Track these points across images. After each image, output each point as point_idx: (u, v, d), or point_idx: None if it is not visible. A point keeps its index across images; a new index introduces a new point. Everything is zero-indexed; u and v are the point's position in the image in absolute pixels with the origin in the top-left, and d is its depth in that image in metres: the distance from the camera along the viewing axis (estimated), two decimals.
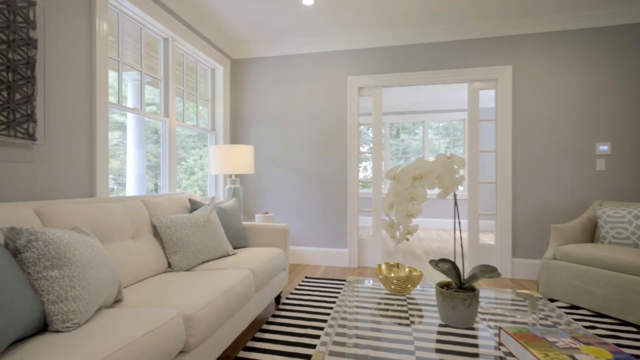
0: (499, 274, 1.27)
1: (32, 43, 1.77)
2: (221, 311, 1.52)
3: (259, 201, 4.00)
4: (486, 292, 1.76)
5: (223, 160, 2.90)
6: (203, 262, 2.07)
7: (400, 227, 1.27)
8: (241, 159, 2.98)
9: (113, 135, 4.02)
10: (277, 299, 2.62)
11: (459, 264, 3.81)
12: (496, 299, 1.66)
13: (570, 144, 3.27)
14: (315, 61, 3.87)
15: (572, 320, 1.34)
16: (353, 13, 3.23)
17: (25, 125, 1.73)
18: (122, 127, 3.97)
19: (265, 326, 2.18)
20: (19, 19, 1.72)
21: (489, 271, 1.27)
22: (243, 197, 3.96)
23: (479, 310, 1.47)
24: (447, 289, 1.34)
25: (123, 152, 3.93)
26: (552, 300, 2.70)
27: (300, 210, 3.89)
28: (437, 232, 6.31)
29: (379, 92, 3.77)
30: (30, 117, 1.75)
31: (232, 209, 2.51)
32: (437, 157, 1.29)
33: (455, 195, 1.29)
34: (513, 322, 1.33)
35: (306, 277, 3.30)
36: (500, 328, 1.17)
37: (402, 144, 8.27)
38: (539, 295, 1.69)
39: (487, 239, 5.70)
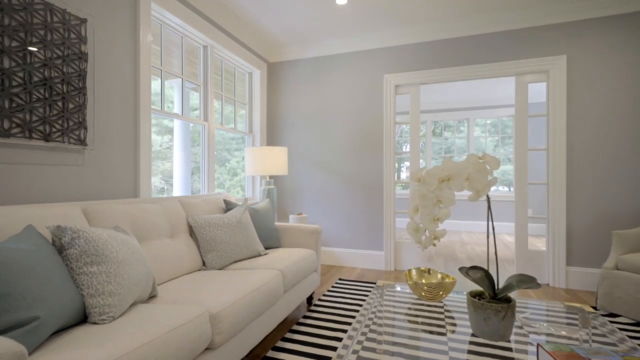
0: (538, 285, 1.15)
1: (83, 57, 1.94)
2: (247, 311, 1.55)
3: (294, 202, 4.05)
4: (531, 303, 1.61)
5: (257, 162, 2.96)
6: (235, 262, 2.13)
7: (427, 231, 1.20)
8: (275, 160, 3.03)
9: (164, 139, 4.30)
10: (309, 300, 2.62)
11: (495, 271, 3.55)
12: (543, 311, 1.52)
13: (635, 141, 2.91)
14: (350, 61, 3.82)
15: (627, 338, 1.18)
16: (386, 9, 3.14)
17: (77, 132, 1.90)
18: (171, 131, 4.23)
19: (295, 327, 2.19)
20: (72, 36, 1.89)
21: (526, 281, 1.16)
22: (277, 197, 4.03)
23: (521, 323, 1.35)
24: (479, 299, 1.24)
25: (173, 155, 4.17)
26: (613, 316, 2.41)
27: (335, 211, 3.87)
28: (483, 236, 5.95)
29: (416, 90, 3.63)
30: (82, 124, 1.92)
31: (265, 210, 2.56)
32: (467, 157, 1.20)
33: (488, 198, 1.20)
34: (558, 338, 1.20)
35: (340, 279, 3.27)
36: (538, 345, 1.05)
37: (445, 143, 7.92)
38: (591, 310, 1.51)
39: (540, 244, 5.26)
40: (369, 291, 2.93)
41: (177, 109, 3.24)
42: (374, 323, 1.35)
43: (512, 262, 4.00)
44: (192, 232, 2.13)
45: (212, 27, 3.11)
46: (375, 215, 3.71)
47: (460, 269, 1.25)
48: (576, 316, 1.47)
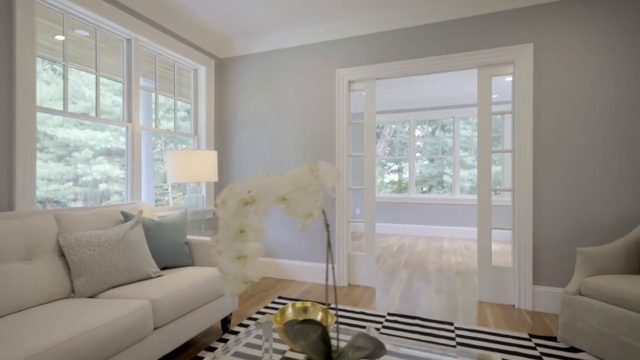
0: (383, 353, 0.80)
1: None
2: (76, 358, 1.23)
3: None
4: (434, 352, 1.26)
5: (182, 168, 2.65)
6: (114, 287, 1.81)
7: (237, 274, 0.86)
8: (202, 166, 2.71)
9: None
10: (227, 323, 2.29)
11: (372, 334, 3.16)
12: None
13: (613, 141, 2.51)
14: (301, 55, 3.49)
15: None
16: None
17: None
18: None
19: (202, 353, 1.86)
20: None
21: (366, 348, 0.81)
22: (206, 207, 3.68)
23: None
24: None
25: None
26: (574, 350, 2.02)
27: (287, 219, 3.53)
28: (465, 243, 5.55)
29: (371, 86, 3.28)
30: None
31: (172, 223, 2.24)
32: (295, 169, 0.86)
33: (327, 226, 0.85)
34: None
35: (280, 297, 2.93)
36: None
37: (439, 143, 7.52)
38: None
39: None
40: None
41: (92, 108, 2.94)
42: None
43: (475, 274, 3.60)
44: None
45: (136, 20, 2.81)
46: (329, 224, 3.36)
47: (287, 325, 0.90)
48: None
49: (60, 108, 2.39)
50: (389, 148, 7.95)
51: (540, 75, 2.69)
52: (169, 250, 2.15)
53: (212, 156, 2.79)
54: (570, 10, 2.61)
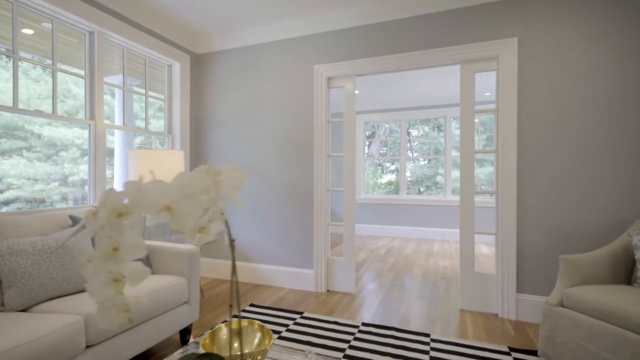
0: None
1: None
2: None
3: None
4: None
5: (143, 169, 2.49)
6: (50, 299, 1.65)
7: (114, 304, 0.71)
8: (167, 166, 2.55)
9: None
10: (187, 334, 2.14)
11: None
12: None
13: (602, 142, 2.36)
14: (279, 50, 3.33)
15: None
16: None
17: None
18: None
19: None
20: None
21: None
22: None
23: None
24: None
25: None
26: None
27: (265, 223, 3.38)
28: (455, 246, 5.39)
29: (351, 83, 3.12)
30: None
31: None
32: (192, 172, 0.71)
33: (232, 243, 0.70)
34: None
35: (251, 305, 2.78)
36: None
37: (434, 143, 7.38)
38: None
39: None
40: (279, 324, 2.44)
41: (45, 105, 2.79)
42: None
43: (457, 280, 3.45)
44: None
45: (99, 12, 2.65)
46: (307, 228, 3.21)
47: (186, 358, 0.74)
48: None
49: (39, 108, 2.23)
50: (385, 148, 7.80)
51: (525, 71, 2.54)
52: None
53: (178, 156, 2.64)
54: (556, 0, 2.46)
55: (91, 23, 2.61)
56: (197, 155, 3.70)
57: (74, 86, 3.06)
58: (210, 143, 3.63)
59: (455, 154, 6.30)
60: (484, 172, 6.88)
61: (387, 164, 8.37)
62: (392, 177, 8.29)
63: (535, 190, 2.51)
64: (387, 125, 7.66)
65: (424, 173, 7.80)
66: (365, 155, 6.94)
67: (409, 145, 7.73)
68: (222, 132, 3.58)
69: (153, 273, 2.16)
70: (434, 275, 3.71)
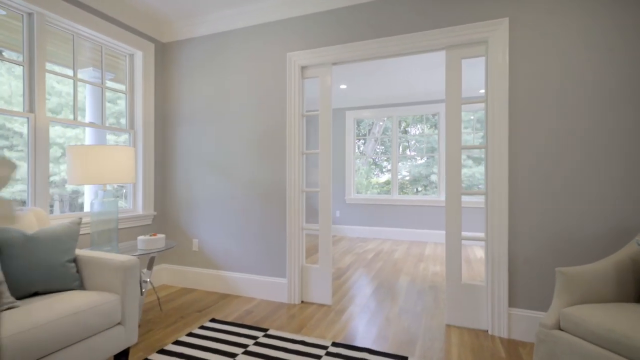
0: None
1: None
2: None
3: (187, 218, 3.26)
4: None
5: (87, 167, 2.19)
6: None
7: None
8: (115, 165, 2.25)
9: (118, 140, 3.57)
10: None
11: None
12: None
13: (605, 138, 2.06)
14: (249, 37, 3.03)
15: None
16: None
17: None
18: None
19: None
20: None
21: None
22: (166, 211, 3.21)
23: None
24: None
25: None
26: None
27: (235, 226, 3.08)
28: None
29: (327, 72, 2.82)
30: None
31: (51, 237, 1.79)
32: None
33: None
34: None
35: (212, 320, 2.48)
36: None
37: (430, 141, 7.08)
38: None
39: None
40: (238, 345, 2.15)
41: (65, 105, 2.50)
42: None
43: (443, 293, 3.15)
44: None
45: None
46: (279, 233, 2.91)
47: None
48: None
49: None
50: (382, 147, 7.49)
51: (517, 56, 2.24)
52: (41, 271, 1.70)
53: (127, 153, 2.34)
54: None
55: (29, 3, 2.32)
56: (162, 154, 3.40)
57: (55, 83, 2.80)
58: (178, 140, 3.33)
59: None
60: (480, 172, 6.58)
61: (385, 163, 8.08)
62: (389, 176, 7.98)
63: (529, 190, 2.21)
64: (381, 123, 7.35)
65: (420, 172, 7.50)
66: (357, 153, 6.64)
67: (406, 143, 7.42)
68: (190, 128, 3.28)
69: (84, 289, 1.86)
70: (422, 283, 3.41)
